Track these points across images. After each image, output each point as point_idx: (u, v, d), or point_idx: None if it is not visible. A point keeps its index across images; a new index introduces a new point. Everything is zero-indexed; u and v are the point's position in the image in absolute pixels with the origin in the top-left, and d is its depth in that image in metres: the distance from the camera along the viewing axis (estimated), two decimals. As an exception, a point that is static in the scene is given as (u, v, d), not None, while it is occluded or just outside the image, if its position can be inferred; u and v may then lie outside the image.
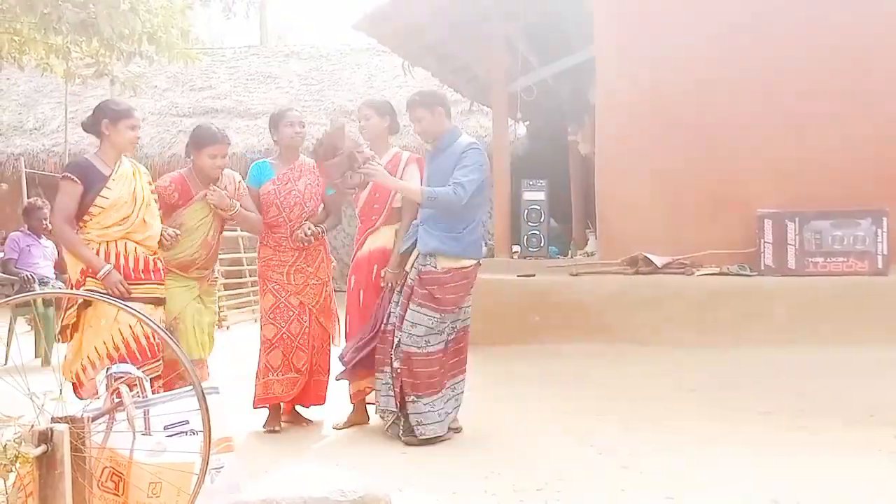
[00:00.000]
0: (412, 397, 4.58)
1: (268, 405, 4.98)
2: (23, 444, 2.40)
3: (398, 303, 4.72)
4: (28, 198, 9.53)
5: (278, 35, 34.58)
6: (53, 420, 2.54)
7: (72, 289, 4.39)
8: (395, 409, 4.66)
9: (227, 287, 11.62)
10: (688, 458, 4.17)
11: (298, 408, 5.19)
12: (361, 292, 5.00)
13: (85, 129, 4.57)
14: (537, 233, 9.99)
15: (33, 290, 7.54)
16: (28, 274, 7.81)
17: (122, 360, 4.00)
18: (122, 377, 3.01)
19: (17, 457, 2.37)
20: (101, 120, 4.40)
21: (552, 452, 4.37)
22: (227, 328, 10.95)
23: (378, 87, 17.27)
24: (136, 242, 4.40)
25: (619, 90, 8.11)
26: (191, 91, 18.17)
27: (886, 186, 7.27)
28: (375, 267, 4.93)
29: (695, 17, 7.91)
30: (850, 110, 7.49)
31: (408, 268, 4.77)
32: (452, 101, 18.02)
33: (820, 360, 6.37)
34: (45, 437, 2.42)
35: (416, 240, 4.71)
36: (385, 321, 4.75)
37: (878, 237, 7.16)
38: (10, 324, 7.83)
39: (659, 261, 7.49)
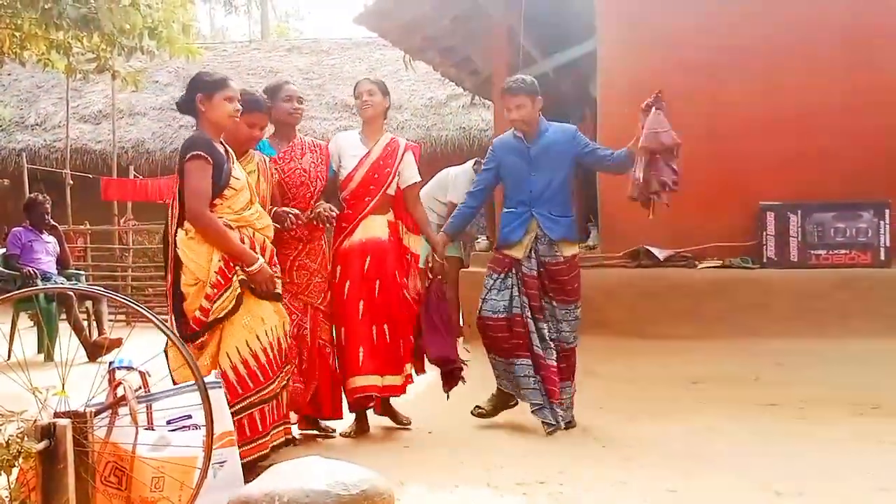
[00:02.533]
0: (564, 390, 4.73)
1: None
2: (26, 439, 2.40)
3: (503, 290, 4.76)
4: (30, 193, 9.52)
5: (279, 29, 34.54)
6: (56, 415, 2.55)
7: (215, 285, 3.75)
8: (540, 402, 4.65)
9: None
10: (690, 451, 4.17)
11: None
12: (348, 283, 4.68)
13: (180, 110, 4.07)
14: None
15: (36, 286, 7.55)
16: (30, 269, 7.82)
17: (253, 376, 3.79)
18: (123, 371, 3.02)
19: (19, 452, 2.38)
20: (195, 95, 3.91)
21: (555, 445, 4.37)
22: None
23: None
24: (257, 230, 3.96)
25: (620, 83, 8.09)
26: (192, 86, 18.14)
27: (889, 178, 7.25)
28: (368, 258, 4.69)
29: (697, 10, 7.88)
30: (852, 102, 7.47)
31: (519, 255, 4.76)
32: (454, 95, 18.10)
33: (823, 351, 6.36)
34: (48, 433, 2.43)
35: (513, 228, 4.77)
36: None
37: (881, 229, 7.15)
38: (13, 319, 7.84)
39: (661, 254, 7.48)
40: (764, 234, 7.35)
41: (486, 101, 13.68)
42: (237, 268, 3.79)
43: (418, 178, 4.94)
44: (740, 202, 7.52)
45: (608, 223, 8.12)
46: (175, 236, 3.82)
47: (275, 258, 4.04)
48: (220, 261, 3.76)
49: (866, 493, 3.46)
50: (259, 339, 3.83)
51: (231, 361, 3.76)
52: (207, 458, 2.75)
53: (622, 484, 3.67)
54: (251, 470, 3.51)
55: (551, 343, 4.72)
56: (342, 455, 4.03)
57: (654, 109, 4.58)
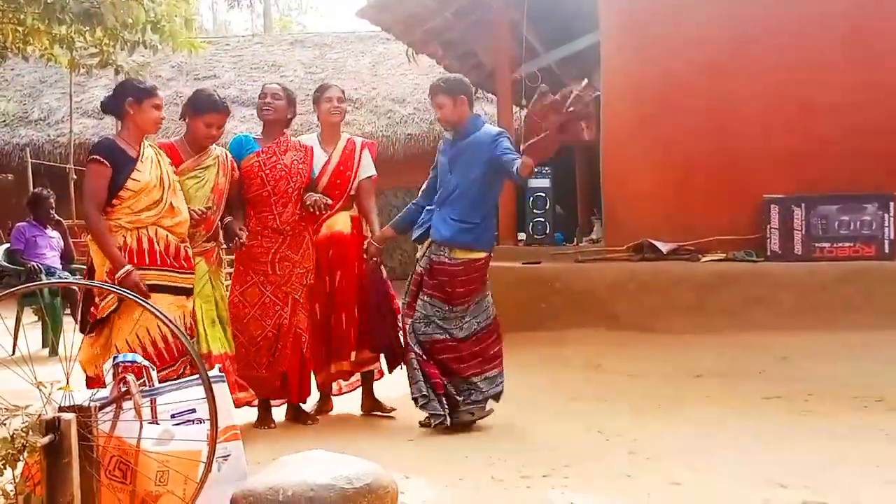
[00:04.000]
0: (447, 380, 4.62)
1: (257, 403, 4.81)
2: (30, 433, 2.40)
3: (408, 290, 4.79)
4: (33, 188, 9.52)
5: (282, 23, 34.50)
6: (61, 409, 2.55)
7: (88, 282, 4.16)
8: (426, 395, 4.57)
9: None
10: (694, 444, 4.17)
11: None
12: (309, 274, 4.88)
13: (105, 110, 4.35)
14: (543, 220, 9.99)
15: (40, 281, 7.55)
16: (34, 264, 7.82)
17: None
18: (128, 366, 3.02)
19: (24, 446, 2.38)
20: (125, 99, 4.16)
21: (558, 438, 4.37)
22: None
23: (382, 74, 17.24)
24: (167, 229, 4.16)
25: (624, 76, 8.08)
26: (195, 80, 18.13)
27: (893, 171, 7.24)
28: (331, 252, 4.90)
29: (700, 3, 7.87)
30: (856, 96, 7.45)
31: (419, 255, 4.79)
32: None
33: (827, 345, 6.36)
34: (53, 427, 2.43)
35: (428, 227, 4.72)
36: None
37: (885, 222, 7.14)
38: (18, 314, 7.85)
39: (664, 247, 7.48)
40: (768, 227, 7.35)
41: (489, 95, 13.65)
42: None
43: (373, 173, 5.10)
44: (744, 195, 7.52)
45: (611, 217, 8.13)
46: None
47: (189, 253, 4.27)
48: (105, 263, 4.07)
49: (872, 487, 3.46)
50: (149, 332, 4.03)
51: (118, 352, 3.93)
52: (212, 451, 2.75)
53: (627, 477, 3.67)
54: None
55: (421, 337, 4.66)
56: (346, 449, 4.03)
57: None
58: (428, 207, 4.83)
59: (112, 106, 4.24)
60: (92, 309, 4.10)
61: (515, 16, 9.33)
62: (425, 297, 4.67)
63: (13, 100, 17.45)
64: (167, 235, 4.16)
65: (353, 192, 5.02)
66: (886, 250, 7.13)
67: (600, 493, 3.49)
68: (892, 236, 7.12)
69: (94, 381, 4.04)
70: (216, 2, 37.22)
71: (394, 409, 5.01)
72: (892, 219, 7.13)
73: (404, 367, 4.80)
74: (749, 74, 7.70)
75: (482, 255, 4.70)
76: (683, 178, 7.78)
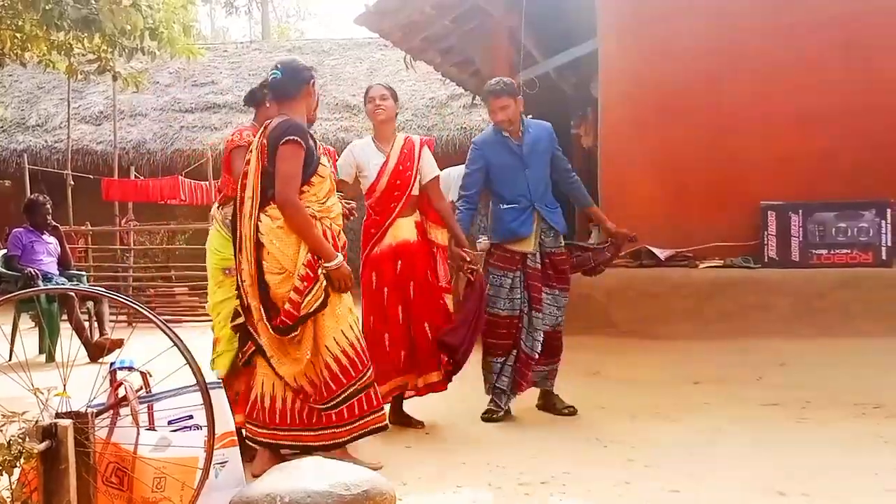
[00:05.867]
0: (553, 362, 5.06)
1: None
2: (27, 439, 2.40)
3: (515, 288, 4.91)
4: (31, 194, 9.52)
5: (280, 30, 34.54)
6: (57, 415, 2.54)
7: (309, 278, 3.69)
8: (504, 390, 4.89)
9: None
10: (692, 451, 4.17)
11: None
12: (386, 290, 4.73)
13: (278, 91, 3.95)
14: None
15: (37, 287, 7.54)
16: (32, 270, 7.81)
17: (353, 364, 3.82)
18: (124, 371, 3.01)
19: (21, 452, 2.37)
20: (309, 80, 3.99)
21: (557, 445, 4.37)
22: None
23: (380, 81, 17.26)
24: (332, 220, 3.92)
25: (621, 83, 8.09)
26: (193, 86, 18.17)
27: (890, 178, 7.25)
28: (399, 263, 4.74)
29: (698, 9, 7.88)
30: (853, 102, 7.46)
31: (529, 249, 4.92)
32: (454, 96, 18.07)
33: (824, 351, 6.36)
34: (50, 433, 2.42)
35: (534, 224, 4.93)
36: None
37: (882, 228, 7.15)
38: (14, 320, 7.84)
39: (662, 253, 7.48)
40: (765, 233, 7.35)
41: (488, 101, 13.66)
42: (321, 261, 3.77)
43: (437, 172, 5.00)
44: (741, 202, 7.52)
45: (609, 223, 8.11)
46: (258, 221, 3.78)
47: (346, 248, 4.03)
48: (307, 253, 3.73)
49: (870, 494, 3.46)
50: (352, 328, 3.88)
51: (332, 353, 3.79)
52: (209, 458, 2.75)
53: (625, 484, 3.66)
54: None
55: (539, 333, 4.90)
56: (343, 455, 4.03)
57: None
58: (508, 206, 4.96)
59: (292, 88, 3.94)
60: (282, 317, 3.70)
61: (514, 22, 9.33)
62: (556, 291, 5.00)
63: (11, 106, 17.46)
64: (339, 230, 3.97)
65: (414, 194, 4.82)
66: (883, 257, 7.14)
67: (599, 500, 3.48)
68: (888, 243, 7.13)
69: (304, 394, 3.80)
70: (214, 8, 37.26)
71: (422, 424, 4.87)
72: (889, 226, 7.13)
73: None
74: (747, 81, 7.71)
75: None
76: (681, 184, 7.79)
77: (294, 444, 3.85)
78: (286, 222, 3.73)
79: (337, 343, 3.80)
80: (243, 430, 3.99)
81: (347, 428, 3.85)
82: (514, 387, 4.93)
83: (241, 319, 3.88)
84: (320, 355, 3.78)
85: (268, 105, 4.27)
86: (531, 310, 4.90)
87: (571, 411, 5.01)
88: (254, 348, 3.84)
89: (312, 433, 3.83)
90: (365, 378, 3.88)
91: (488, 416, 4.90)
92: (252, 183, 3.83)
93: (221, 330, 4.20)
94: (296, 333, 3.73)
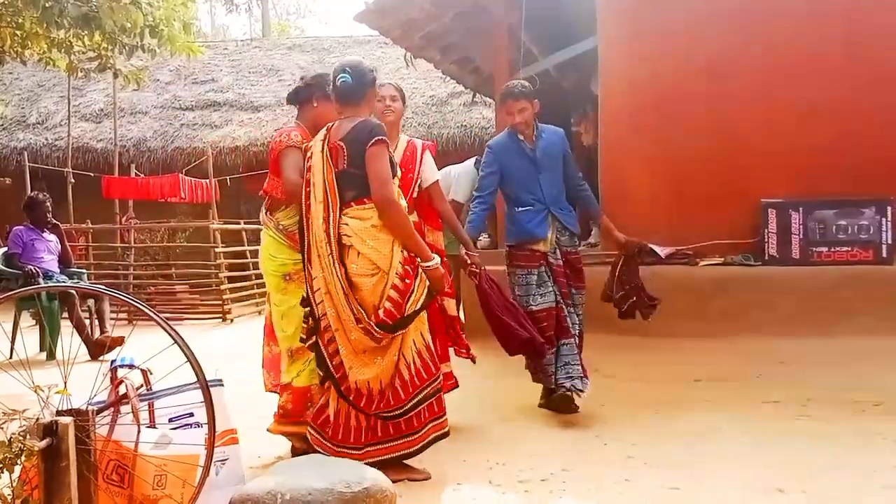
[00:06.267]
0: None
1: None
2: (28, 437, 2.40)
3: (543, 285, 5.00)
4: (31, 192, 9.52)
5: (280, 27, 34.52)
6: (58, 413, 2.54)
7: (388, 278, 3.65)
8: (580, 377, 4.95)
9: (230, 280, 11.64)
10: (692, 449, 4.17)
11: None
12: None
13: (347, 96, 3.88)
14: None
15: (38, 285, 7.54)
16: (32, 268, 7.81)
17: (426, 367, 3.78)
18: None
19: (22, 450, 2.38)
20: (373, 82, 3.99)
21: (557, 443, 4.37)
22: (231, 321, 10.97)
23: (380, 79, 17.24)
24: None
25: (622, 80, 8.09)
26: (193, 84, 18.19)
27: (891, 175, 7.24)
28: None
29: (697, 7, 7.87)
30: (854, 100, 7.45)
31: (546, 249, 5.03)
32: (455, 93, 18.10)
33: (825, 349, 6.35)
34: (51, 431, 2.43)
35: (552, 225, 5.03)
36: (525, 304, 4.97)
37: (883, 226, 7.14)
38: (15, 318, 7.84)
39: (662, 251, 7.47)
40: (766, 231, 7.34)
41: (487, 99, 13.68)
42: (418, 260, 3.76)
43: (438, 176, 4.99)
44: (742, 199, 7.51)
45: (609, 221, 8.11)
46: (342, 224, 3.71)
47: None
48: (402, 250, 3.70)
49: (870, 492, 3.46)
50: (424, 333, 3.85)
51: (406, 360, 3.74)
52: (209, 455, 2.75)
53: (625, 482, 3.67)
54: (402, 471, 3.71)
55: (576, 328, 5.10)
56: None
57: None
58: (523, 209, 5.04)
59: (360, 91, 3.91)
60: (384, 316, 3.63)
61: (514, 20, 9.34)
62: (573, 290, 5.10)
63: (11, 103, 17.49)
64: None
65: (414, 196, 4.78)
66: (884, 255, 7.13)
67: (599, 498, 3.49)
68: (889, 241, 7.12)
69: (371, 401, 3.70)
70: (214, 6, 37.27)
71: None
72: (889, 223, 7.12)
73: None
74: (747, 78, 7.70)
75: None
76: (681, 181, 7.78)
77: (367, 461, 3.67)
78: (387, 221, 3.69)
79: (416, 343, 3.77)
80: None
81: (414, 437, 3.77)
82: (583, 372, 4.98)
83: (313, 339, 3.80)
84: (401, 356, 3.73)
85: (315, 105, 4.26)
86: (566, 304, 5.04)
87: (573, 409, 5.01)
88: (327, 372, 3.76)
89: (381, 447, 3.73)
90: (435, 383, 3.82)
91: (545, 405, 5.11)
92: (323, 187, 3.76)
93: (296, 340, 4.07)
94: (402, 332, 3.69)
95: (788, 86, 7.58)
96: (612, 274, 5.30)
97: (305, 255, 3.81)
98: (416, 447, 3.78)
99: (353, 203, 3.73)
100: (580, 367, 4.96)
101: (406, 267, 3.68)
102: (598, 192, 8.31)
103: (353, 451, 3.69)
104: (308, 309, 3.83)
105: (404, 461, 3.78)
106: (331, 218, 3.71)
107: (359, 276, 3.66)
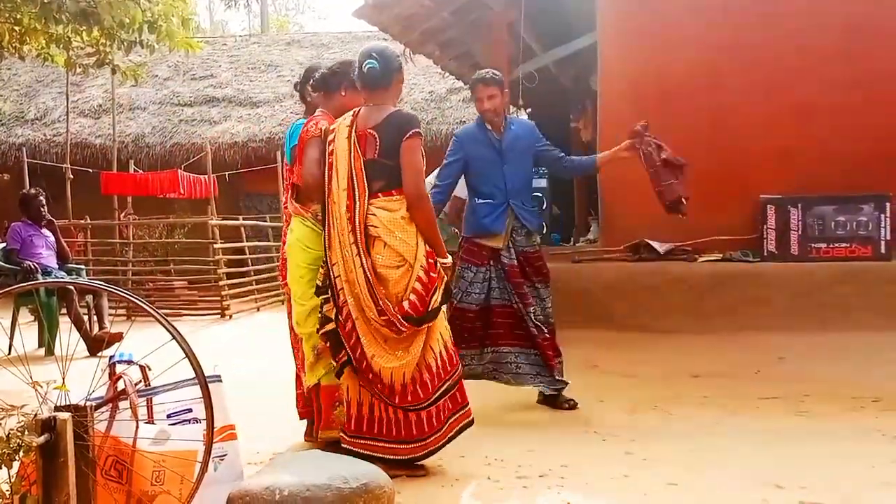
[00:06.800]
0: (558, 360, 5.03)
1: None
2: (26, 433, 2.40)
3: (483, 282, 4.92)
4: (27, 188, 9.52)
5: (279, 23, 34.49)
6: (57, 409, 2.54)
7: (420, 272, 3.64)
8: (538, 375, 4.98)
9: (229, 276, 11.63)
10: (691, 444, 4.17)
11: None
12: None
13: (374, 82, 3.82)
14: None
15: (36, 280, 7.54)
16: (31, 264, 7.81)
17: (451, 358, 3.79)
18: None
19: (20, 446, 2.37)
20: (400, 68, 3.91)
21: (555, 439, 4.37)
22: (230, 317, 10.97)
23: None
24: None
25: (621, 76, 8.09)
26: (192, 80, 18.17)
27: (889, 171, 7.25)
28: None
29: (697, 3, 7.87)
30: (852, 96, 7.46)
31: (499, 245, 4.92)
32: (454, 89, 18.10)
33: (823, 345, 6.36)
34: (49, 426, 2.42)
35: (506, 220, 4.92)
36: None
37: (881, 222, 7.15)
38: (14, 313, 7.84)
39: (661, 247, 7.48)
40: (764, 227, 7.35)
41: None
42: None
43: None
44: (741, 195, 7.52)
45: (608, 217, 8.13)
46: (370, 214, 3.68)
47: None
48: (425, 244, 3.70)
49: (868, 487, 3.46)
50: (446, 326, 3.85)
51: (434, 353, 3.73)
52: (208, 451, 2.75)
53: (623, 477, 3.67)
54: (402, 467, 3.68)
55: (541, 322, 4.95)
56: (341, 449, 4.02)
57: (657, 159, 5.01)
58: (483, 201, 4.96)
59: (387, 77, 3.84)
60: (409, 307, 3.61)
61: (513, 16, 9.32)
62: (537, 285, 5.00)
63: (10, 99, 17.47)
64: None
65: None
66: (882, 251, 7.14)
67: (597, 493, 3.49)
68: (888, 237, 7.13)
69: (399, 394, 3.66)
70: (213, 2, 37.23)
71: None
72: (888, 219, 7.13)
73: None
74: (746, 74, 7.70)
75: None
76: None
77: (381, 456, 3.65)
78: (416, 215, 3.68)
79: (442, 336, 3.77)
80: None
81: (438, 434, 3.75)
82: (547, 369, 4.97)
83: (331, 325, 3.76)
84: (425, 355, 3.70)
85: (343, 94, 4.20)
86: (524, 304, 4.92)
87: (572, 405, 5.01)
88: (346, 358, 3.73)
89: (406, 445, 3.70)
90: (455, 374, 3.81)
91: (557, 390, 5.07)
92: (347, 174, 3.71)
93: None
94: (427, 325, 3.67)
95: (788, 82, 7.59)
96: (648, 171, 5.07)
97: (326, 242, 3.77)
98: (442, 442, 3.78)
99: (380, 194, 3.71)
100: (542, 367, 4.96)
101: (430, 261, 3.68)
102: (598, 186, 8.32)
103: (362, 441, 3.70)
104: (323, 298, 3.80)
105: None
106: (356, 207, 3.68)
107: (385, 268, 3.65)
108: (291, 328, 4.38)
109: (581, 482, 3.61)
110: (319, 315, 3.84)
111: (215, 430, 2.82)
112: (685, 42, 7.81)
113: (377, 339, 3.65)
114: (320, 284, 3.83)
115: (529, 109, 13.76)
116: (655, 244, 7.48)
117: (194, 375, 2.78)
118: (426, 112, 16.40)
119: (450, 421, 3.81)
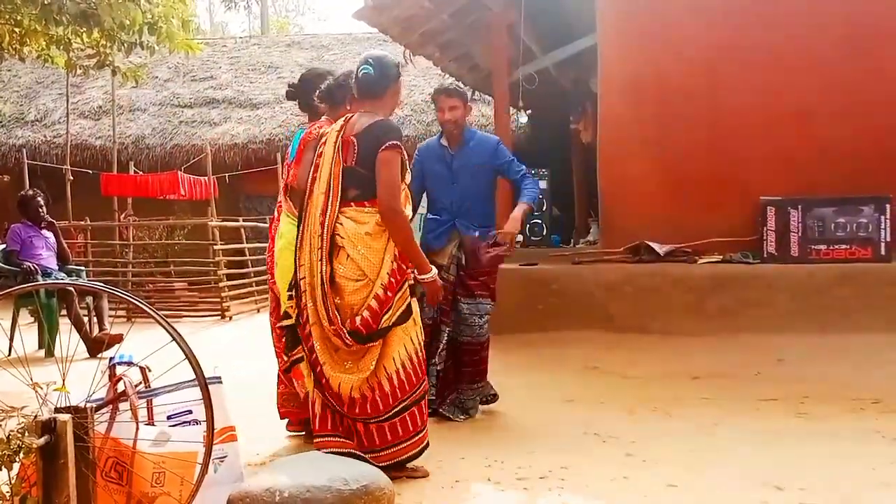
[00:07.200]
0: (475, 384, 4.87)
1: None
2: (26, 434, 2.40)
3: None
4: (28, 189, 9.52)
5: (279, 25, 34.50)
6: (57, 410, 2.54)
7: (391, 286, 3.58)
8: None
9: (229, 277, 11.63)
10: (691, 446, 4.17)
11: None
12: None
13: (367, 89, 3.80)
14: (539, 221, 10.00)
15: (36, 282, 7.54)
16: (31, 265, 7.81)
17: (409, 379, 3.65)
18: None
19: (20, 447, 2.38)
20: (398, 77, 3.85)
21: (556, 440, 4.37)
22: (230, 319, 10.97)
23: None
24: None
25: (620, 78, 8.09)
26: (192, 81, 18.17)
27: (889, 173, 7.25)
28: None
29: (697, 4, 7.88)
30: (853, 98, 7.46)
31: (443, 262, 4.75)
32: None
33: (823, 347, 6.36)
34: (49, 428, 2.42)
35: (448, 236, 4.79)
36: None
37: (881, 224, 7.15)
38: (14, 315, 7.84)
39: (661, 249, 7.48)
40: (764, 229, 7.35)
41: (487, 97, 13.66)
42: (412, 273, 3.72)
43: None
44: (741, 197, 7.52)
45: (608, 219, 8.12)
46: (338, 223, 3.63)
47: None
48: (392, 262, 3.61)
49: (867, 488, 3.46)
50: (412, 341, 3.71)
51: (387, 372, 3.62)
52: (208, 453, 2.75)
53: (623, 479, 3.67)
54: (400, 469, 3.62)
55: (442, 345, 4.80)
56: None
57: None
58: (432, 217, 4.84)
59: (382, 85, 3.81)
60: (359, 325, 3.55)
61: (513, 17, 9.32)
62: (478, 299, 4.80)
63: (10, 101, 17.47)
64: None
65: None
66: (882, 252, 7.14)
67: (597, 494, 3.49)
68: (888, 238, 7.13)
69: (356, 407, 3.60)
70: (213, 3, 37.25)
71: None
72: (888, 221, 7.13)
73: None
74: (746, 76, 7.70)
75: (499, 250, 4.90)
76: (680, 179, 7.78)
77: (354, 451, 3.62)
78: (389, 229, 3.61)
79: (400, 355, 3.64)
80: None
81: (391, 451, 3.65)
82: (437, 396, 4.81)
83: (290, 321, 3.74)
84: (377, 372, 3.61)
85: (348, 107, 4.09)
86: (442, 322, 4.79)
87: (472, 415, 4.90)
88: (299, 355, 3.73)
89: (366, 453, 3.63)
90: (417, 393, 3.70)
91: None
92: (327, 178, 3.69)
93: None
94: (373, 344, 3.59)
95: (788, 83, 7.59)
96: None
97: (298, 242, 3.74)
98: (390, 462, 3.65)
99: (353, 203, 3.67)
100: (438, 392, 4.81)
101: (391, 279, 3.59)
102: (597, 189, 8.32)
103: (323, 439, 3.67)
104: (289, 294, 3.78)
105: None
106: (328, 212, 3.65)
107: (344, 279, 3.60)
108: (274, 326, 4.38)
109: (581, 483, 3.61)
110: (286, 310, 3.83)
111: (215, 431, 2.82)
112: (685, 43, 7.82)
113: (329, 348, 3.61)
114: (292, 282, 3.80)
115: (529, 111, 13.77)
116: (655, 246, 7.48)
117: (194, 377, 2.79)
118: (425, 114, 16.39)
119: (400, 445, 3.67)
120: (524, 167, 5.00)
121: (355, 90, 3.89)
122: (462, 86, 5.07)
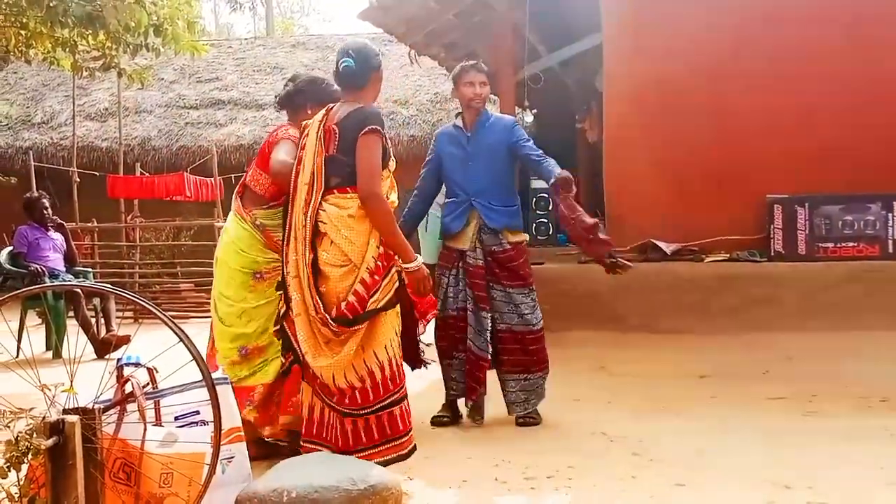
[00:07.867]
0: (529, 377, 4.68)
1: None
2: (35, 435, 2.41)
3: (457, 286, 4.68)
4: (33, 191, 9.54)
5: (284, 26, 34.53)
6: (65, 412, 2.55)
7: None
8: (466, 398, 4.73)
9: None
10: (699, 445, 4.16)
11: None
12: None
13: (349, 80, 3.85)
14: (546, 221, 9.97)
15: (43, 283, 7.56)
16: (38, 267, 7.83)
17: (393, 376, 3.65)
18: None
19: (29, 448, 2.38)
20: (378, 67, 3.88)
21: (563, 440, 4.37)
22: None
23: (384, 76, 17.24)
24: None
25: (626, 77, 8.07)
26: (197, 83, 18.19)
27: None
28: None
29: (702, 3, 7.86)
30: (859, 95, 7.43)
31: (464, 246, 4.68)
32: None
33: (831, 345, 6.35)
34: (57, 429, 2.43)
35: (465, 220, 4.68)
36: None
37: (889, 221, 7.13)
38: (21, 317, 7.86)
39: (668, 248, 7.46)
40: (772, 227, 7.33)
41: (492, 97, 13.64)
42: (398, 259, 3.70)
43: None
44: (747, 196, 7.50)
45: (615, 218, 8.10)
46: (320, 209, 3.64)
47: None
48: (378, 245, 3.62)
49: (876, 487, 3.45)
50: (397, 335, 3.72)
51: (378, 360, 3.63)
52: (216, 453, 2.75)
53: (631, 478, 3.66)
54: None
55: (487, 333, 4.62)
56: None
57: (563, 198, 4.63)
58: (449, 200, 4.79)
59: (364, 76, 3.85)
60: (344, 309, 3.56)
61: (518, 18, 9.32)
62: (509, 289, 4.66)
63: (16, 103, 17.50)
64: None
65: None
66: (890, 250, 7.12)
67: (604, 494, 3.48)
68: (895, 236, 7.11)
69: (337, 397, 3.60)
70: (218, 4, 37.31)
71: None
72: (895, 218, 7.11)
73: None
74: (752, 74, 7.68)
75: (526, 235, 4.86)
76: (686, 177, 7.76)
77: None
78: (369, 214, 3.61)
79: (386, 351, 3.64)
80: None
81: (368, 452, 3.62)
82: (467, 392, 4.70)
83: (280, 324, 3.76)
84: (367, 360, 3.60)
85: (308, 112, 4.10)
86: (478, 309, 4.64)
87: (477, 422, 4.79)
88: (293, 358, 3.73)
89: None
90: (400, 392, 3.70)
91: (437, 421, 4.76)
92: (311, 169, 3.69)
93: (261, 337, 4.01)
94: (360, 327, 3.57)
95: (793, 81, 7.57)
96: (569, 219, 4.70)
97: (284, 237, 3.75)
98: (407, 448, 3.71)
99: (335, 190, 3.68)
100: (461, 385, 4.70)
101: (378, 263, 3.60)
102: (603, 187, 8.31)
103: (310, 445, 3.67)
104: (281, 293, 3.79)
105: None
106: (312, 202, 3.65)
107: (328, 266, 3.60)
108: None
109: (588, 483, 3.60)
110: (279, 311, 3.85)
111: (223, 432, 2.82)
112: (690, 42, 7.79)
113: (315, 337, 3.60)
114: (281, 280, 3.80)
115: (535, 111, 13.76)
116: (662, 244, 7.46)
117: (202, 377, 2.79)
118: (431, 114, 16.39)
119: (381, 447, 3.64)
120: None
121: (336, 82, 3.91)
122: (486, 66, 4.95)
